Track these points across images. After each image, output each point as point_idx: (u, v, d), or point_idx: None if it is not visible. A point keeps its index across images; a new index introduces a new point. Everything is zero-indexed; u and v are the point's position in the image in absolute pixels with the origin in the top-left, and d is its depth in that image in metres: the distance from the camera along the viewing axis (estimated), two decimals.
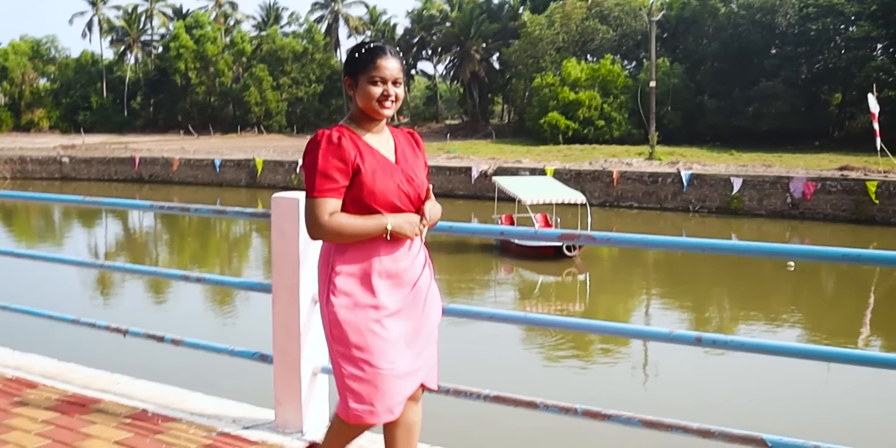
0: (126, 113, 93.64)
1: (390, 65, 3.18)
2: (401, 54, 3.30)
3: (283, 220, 4.23)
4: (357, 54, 3.22)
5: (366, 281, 3.15)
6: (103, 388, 5.11)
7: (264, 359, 4.56)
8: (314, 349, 4.31)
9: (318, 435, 4.29)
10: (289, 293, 4.24)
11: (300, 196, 4.19)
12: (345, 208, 3.14)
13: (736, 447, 3.44)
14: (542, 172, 41.00)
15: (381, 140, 3.27)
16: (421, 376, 3.31)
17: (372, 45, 3.22)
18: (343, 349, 3.15)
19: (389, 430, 3.44)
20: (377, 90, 3.16)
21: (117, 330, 5.27)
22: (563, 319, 4.15)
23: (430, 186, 3.34)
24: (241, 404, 4.76)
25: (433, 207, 3.28)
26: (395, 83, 3.19)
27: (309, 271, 4.23)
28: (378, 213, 3.14)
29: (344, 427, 3.28)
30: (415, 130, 3.53)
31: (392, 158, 3.25)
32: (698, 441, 3.57)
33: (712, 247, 3.37)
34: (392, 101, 3.19)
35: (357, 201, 3.13)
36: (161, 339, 5.05)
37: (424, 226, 3.23)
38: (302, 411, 4.31)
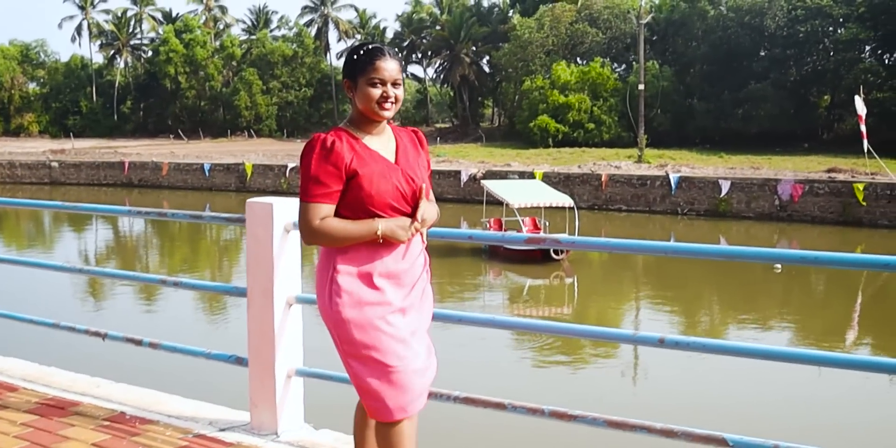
0: (116, 117, 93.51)
1: (389, 66, 3.18)
2: (399, 56, 3.32)
3: (257, 224, 4.29)
4: (356, 56, 3.21)
5: (368, 280, 3.16)
6: (83, 391, 5.16)
7: (240, 361, 4.61)
8: (289, 352, 4.37)
9: (293, 436, 4.35)
10: (263, 296, 4.30)
11: (274, 201, 4.25)
12: (343, 211, 3.16)
13: (700, 447, 3.50)
14: (531, 176, 41.09)
15: (382, 141, 3.27)
16: (433, 374, 3.33)
17: (370, 47, 3.22)
18: (350, 348, 3.16)
19: (360, 430, 3.49)
20: (376, 92, 3.16)
21: (96, 334, 5.32)
22: (530, 322, 4.21)
23: (429, 187, 3.33)
24: (218, 407, 4.81)
25: (428, 209, 3.27)
26: (394, 84, 3.19)
27: (283, 275, 4.28)
28: (376, 214, 3.15)
29: (381, 429, 3.25)
30: (419, 129, 3.54)
31: (392, 159, 3.25)
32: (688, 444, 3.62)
33: (674, 250, 3.44)
34: (392, 103, 3.19)
35: (355, 204, 3.14)
36: (139, 343, 5.10)
37: (417, 229, 3.22)
38: (277, 413, 4.36)
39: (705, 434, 3.44)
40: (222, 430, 4.46)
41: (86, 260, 31.57)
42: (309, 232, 3.15)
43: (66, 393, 5.13)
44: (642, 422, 3.59)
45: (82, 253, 34.02)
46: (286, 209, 4.25)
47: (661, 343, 3.48)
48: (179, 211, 4.92)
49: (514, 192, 29.83)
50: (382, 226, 3.13)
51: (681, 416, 12.40)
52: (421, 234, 3.28)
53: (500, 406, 3.87)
